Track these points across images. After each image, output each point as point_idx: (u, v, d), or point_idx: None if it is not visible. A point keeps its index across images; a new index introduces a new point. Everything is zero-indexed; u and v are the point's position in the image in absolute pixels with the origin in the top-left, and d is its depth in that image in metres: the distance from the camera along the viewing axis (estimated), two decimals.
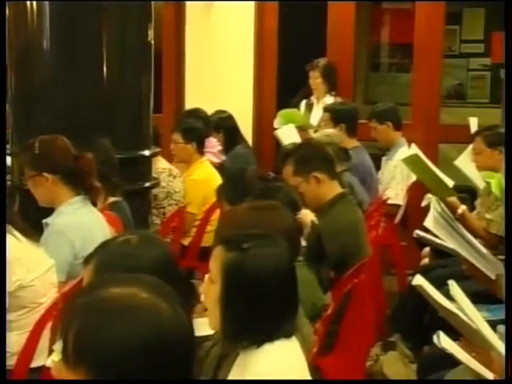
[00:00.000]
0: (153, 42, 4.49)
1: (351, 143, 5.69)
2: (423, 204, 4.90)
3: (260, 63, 7.04)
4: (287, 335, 2.16)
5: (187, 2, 6.98)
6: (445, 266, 4.54)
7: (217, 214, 4.70)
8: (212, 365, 2.45)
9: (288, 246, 2.29)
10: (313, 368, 2.86)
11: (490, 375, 2.31)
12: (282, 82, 7.14)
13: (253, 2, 6.90)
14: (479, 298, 3.69)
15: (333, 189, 3.94)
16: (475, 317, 2.31)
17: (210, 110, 6.39)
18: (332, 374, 3.35)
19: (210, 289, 2.20)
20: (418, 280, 2.60)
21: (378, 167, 6.04)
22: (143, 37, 4.43)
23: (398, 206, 5.77)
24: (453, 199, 4.75)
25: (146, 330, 1.35)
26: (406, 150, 5.66)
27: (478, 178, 5.09)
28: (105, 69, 4.27)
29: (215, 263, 2.19)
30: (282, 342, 2.14)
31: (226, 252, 2.18)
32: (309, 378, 2.21)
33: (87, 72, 4.27)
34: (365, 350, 4.01)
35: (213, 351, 2.50)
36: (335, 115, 5.83)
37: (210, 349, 2.52)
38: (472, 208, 5.18)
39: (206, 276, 2.24)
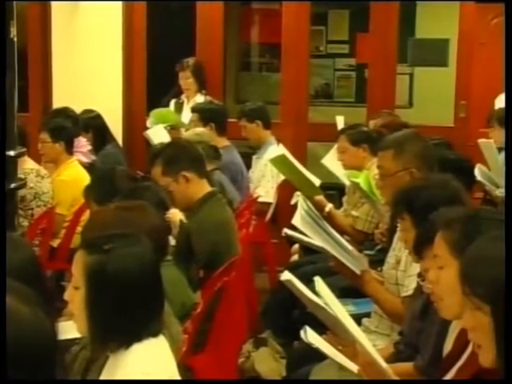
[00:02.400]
0: (16, 39, 4.38)
1: (221, 142, 5.72)
2: (293, 202, 4.99)
3: (129, 63, 6.97)
4: (155, 334, 2.16)
5: (52, 2, 6.84)
6: (313, 262, 4.63)
7: (86, 214, 4.63)
8: (80, 369, 2.42)
9: (154, 245, 2.28)
10: (183, 367, 2.88)
11: (353, 367, 2.38)
12: (152, 82, 7.11)
13: (120, 2, 6.83)
14: (346, 292, 3.80)
15: (202, 188, 3.95)
16: (340, 311, 2.36)
17: (78, 109, 6.28)
18: (203, 372, 3.36)
19: (74, 294, 2.16)
20: (286, 275, 2.65)
21: (248, 166, 6.10)
22: (6, 34, 4.30)
23: (268, 204, 5.84)
24: (320, 198, 4.87)
25: (6, 334, 1.33)
26: (276, 148, 5.75)
27: (344, 176, 5.22)
28: None
29: (77, 268, 2.16)
30: (150, 341, 2.14)
31: (87, 255, 2.15)
32: (177, 377, 2.22)
33: None
34: (236, 347, 4.04)
35: (81, 355, 2.47)
36: (204, 115, 5.84)
37: (78, 353, 2.49)
38: (340, 204, 5.31)
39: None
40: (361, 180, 4.41)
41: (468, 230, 2.14)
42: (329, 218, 4.63)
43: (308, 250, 4.51)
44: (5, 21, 3.96)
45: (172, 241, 3.41)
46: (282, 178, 5.68)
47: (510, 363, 1.49)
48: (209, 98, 6.60)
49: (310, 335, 2.56)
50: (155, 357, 2.13)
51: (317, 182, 5.15)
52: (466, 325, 1.64)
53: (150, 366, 2.11)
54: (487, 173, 4.88)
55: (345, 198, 5.26)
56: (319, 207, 4.70)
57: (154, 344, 2.14)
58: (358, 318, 3.42)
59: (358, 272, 3.19)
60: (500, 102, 6.58)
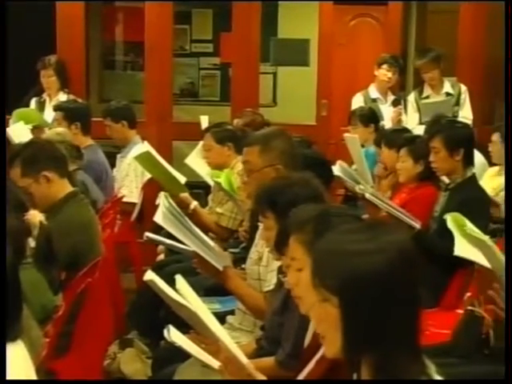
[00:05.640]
0: None
1: (85, 141, 5.64)
2: (157, 202, 4.97)
3: None
4: (12, 339, 2.11)
5: None
6: (179, 261, 4.63)
7: None
8: None
9: (12, 247, 2.23)
10: (45, 371, 2.82)
11: (216, 364, 2.40)
12: (12, 81, 6.91)
13: None
14: (212, 291, 3.82)
15: (63, 188, 3.86)
16: (200, 309, 2.38)
17: None
18: (67, 375, 3.30)
19: None
20: (149, 275, 2.64)
21: (113, 165, 6.03)
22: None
23: (133, 204, 5.79)
24: (185, 195, 4.88)
25: None
26: (141, 147, 5.72)
27: (207, 176, 5.25)
28: None
29: None
30: (7, 347, 2.09)
31: None
32: None
33: None
34: (102, 349, 3.99)
35: None
36: (69, 114, 5.72)
37: None
38: (207, 203, 5.33)
39: None
40: (222, 179, 4.44)
41: (320, 228, 2.18)
42: (194, 216, 4.64)
43: None
44: (5, 21, 3.78)
45: (32, 243, 3.33)
46: (147, 177, 5.65)
47: (510, 363, 1.54)
48: (72, 96, 6.50)
49: (173, 334, 2.56)
50: (11, 362, 2.08)
51: (182, 179, 5.15)
52: (314, 316, 1.68)
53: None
54: (348, 169, 5.02)
55: (210, 197, 5.28)
56: (184, 205, 4.72)
57: (10, 349, 2.09)
58: (223, 316, 3.45)
59: (220, 268, 3.20)
60: (357, 101, 6.79)
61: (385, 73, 6.73)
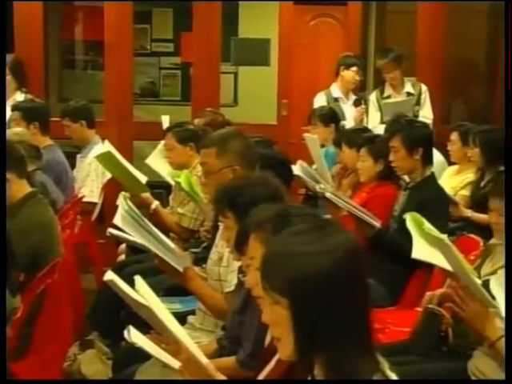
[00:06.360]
0: None
1: (44, 141, 5.59)
2: (118, 202, 4.95)
3: None
4: None
5: None
6: (140, 261, 4.62)
7: None
8: None
9: None
10: (4, 373, 2.79)
11: (176, 364, 2.39)
12: None
13: None
14: (172, 291, 3.82)
15: (22, 188, 3.84)
16: (160, 309, 2.37)
17: None
18: (26, 377, 3.27)
19: None
20: (110, 275, 2.62)
21: (73, 165, 5.99)
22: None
23: (93, 204, 5.76)
24: (146, 195, 4.86)
25: None
26: (101, 147, 5.68)
27: (168, 176, 5.23)
28: None
29: None
30: None
31: None
32: None
33: None
34: (62, 350, 3.96)
35: None
36: (27, 114, 5.67)
37: None
38: (168, 203, 5.32)
39: None
40: (182, 180, 4.43)
41: (279, 228, 2.17)
42: (155, 216, 4.64)
43: (135, 249, 4.49)
44: (5, 21, 3.71)
45: None
46: (108, 177, 5.62)
47: (511, 363, 1.54)
48: (29, 96, 6.43)
49: (133, 335, 2.55)
50: None
51: (143, 179, 5.13)
52: (266, 319, 1.68)
53: None
54: (308, 169, 5.04)
55: (171, 196, 5.27)
56: (145, 204, 4.71)
57: None
58: (184, 316, 3.45)
59: (180, 269, 3.20)
60: (319, 100, 6.80)
61: (353, 75, 6.71)
